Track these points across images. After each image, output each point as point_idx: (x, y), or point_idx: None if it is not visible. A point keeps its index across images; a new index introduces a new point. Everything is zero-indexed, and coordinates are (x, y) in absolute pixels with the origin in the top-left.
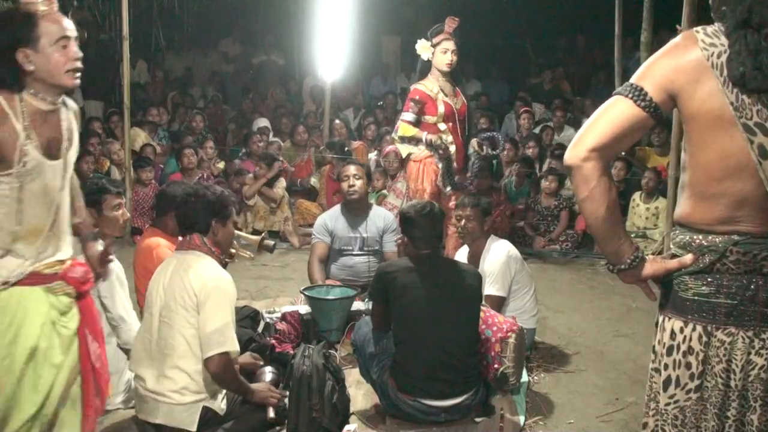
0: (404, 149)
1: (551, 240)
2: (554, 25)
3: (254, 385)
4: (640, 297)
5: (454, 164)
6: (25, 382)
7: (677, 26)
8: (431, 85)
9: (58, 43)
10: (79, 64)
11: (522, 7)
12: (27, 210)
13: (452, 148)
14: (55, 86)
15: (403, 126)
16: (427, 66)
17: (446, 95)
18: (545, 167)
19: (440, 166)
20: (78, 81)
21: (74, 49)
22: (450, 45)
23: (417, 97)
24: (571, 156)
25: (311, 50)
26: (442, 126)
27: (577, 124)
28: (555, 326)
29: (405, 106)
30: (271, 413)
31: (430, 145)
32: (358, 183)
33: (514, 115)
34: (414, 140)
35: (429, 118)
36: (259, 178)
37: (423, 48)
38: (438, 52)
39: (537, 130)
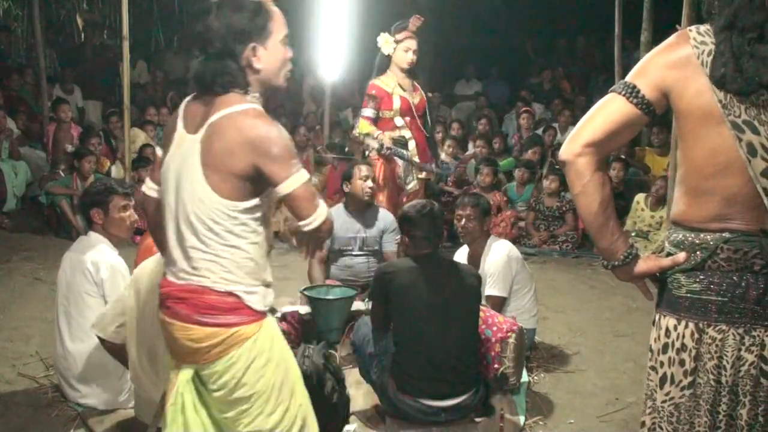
0: (365, 147)
1: (553, 235)
2: (554, 25)
3: None
4: (641, 297)
5: (416, 158)
6: None
7: (677, 26)
8: (388, 80)
9: (284, 40)
10: (291, 65)
11: (522, 7)
12: (270, 227)
13: (411, 144)
14: (269, 87)
15: (362, 122)
16: (386, 61)
17: (404, 90)
18: (546, 167)
19: (400, 163)
20: None
21: (289, 48)
22: (412, 44)
23: (373, 92)
24: (565, 151)
25: (311, 50)
26: (399, 121)
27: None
28: (555, 326)
29: (363, 102)
30: None
31: (375, 140)
32: (372, 184)
33: (515, 114)
34: (371, 137)
35: (386, 113)
36: None
37: (385, 43)
38: (400, 49)
39: (539, 131)
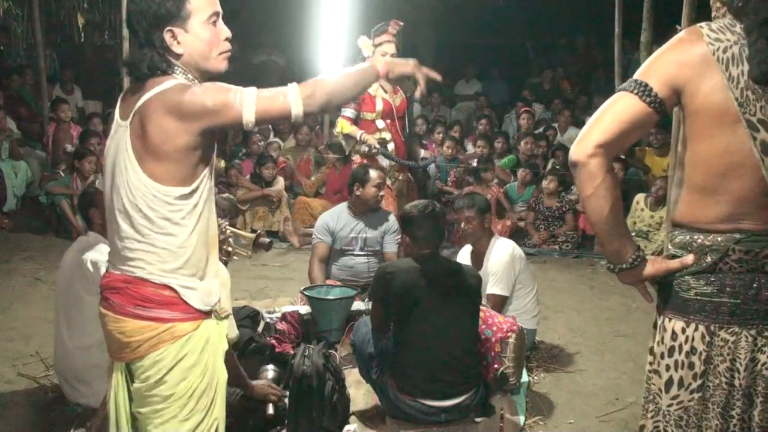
0: (346, 147)
1: (553, 235)
2: (554, 25)
3: (255, 382)
4: (640, 297)
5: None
6: None
7: (677, 26)
8: None
9: (209, 20)
10: (229, 45)
11: (522, 7)
12: (211, 216)
13: (391, 146)
14: (203, 72)
15: (341, 122)
16: None
17: (385, 92)
18: (549, 166)
19: (384, 164)
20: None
21: (225, 27)
22: (390, 48)
23: None
24: (576, 152)
25: (311, 50)
26: (381, 123)
27: (578, 124)
28: (555, 326)
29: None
30: (271, 410)
31: (363, 145)
32: (383, 192)
33: (515, 114)
34: (351, 138)
35: (367, 115)
36: (255, 190)
37: (365, 45)
38: (378, 53)
39: (539, 131)
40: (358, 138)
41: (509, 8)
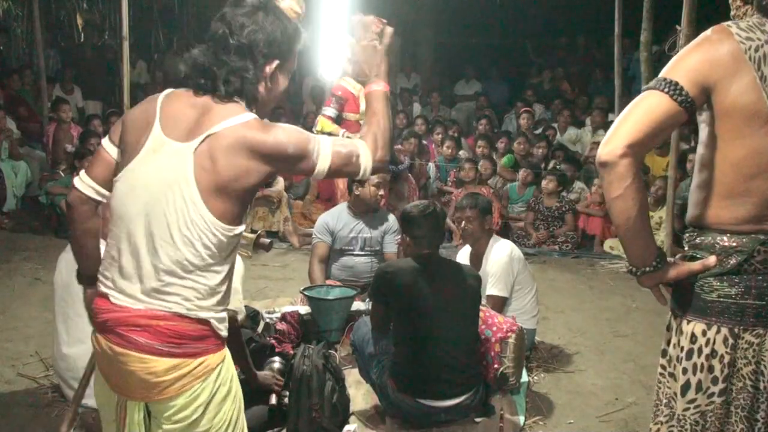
0: None
1: (553, 236)
2: (554, 25)
3: (259, 372)
4: (640, 297)
5: None
6: None
7: (677, 26)
8: (355, 83)
9: (290, 72)
10: None
11: (522, 7)
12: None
13: None
14: (259, 113)
15: (322, 121)
16: None
17: None
18: (550, 165)
19: None
20: None
21: None
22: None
23: (339, 93)
24: (607, 152)
25: (311, 50)
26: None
27: (578, 124)
28: (555, 326)
29: (327, 101)
30: (273, 400)
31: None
32: (383, 192)
33: (514, 114)
34: (332, 137)
35: (350, 116)
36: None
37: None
38: None
39: (539, 131)
40: (341, 136)
41: (509, 8)
